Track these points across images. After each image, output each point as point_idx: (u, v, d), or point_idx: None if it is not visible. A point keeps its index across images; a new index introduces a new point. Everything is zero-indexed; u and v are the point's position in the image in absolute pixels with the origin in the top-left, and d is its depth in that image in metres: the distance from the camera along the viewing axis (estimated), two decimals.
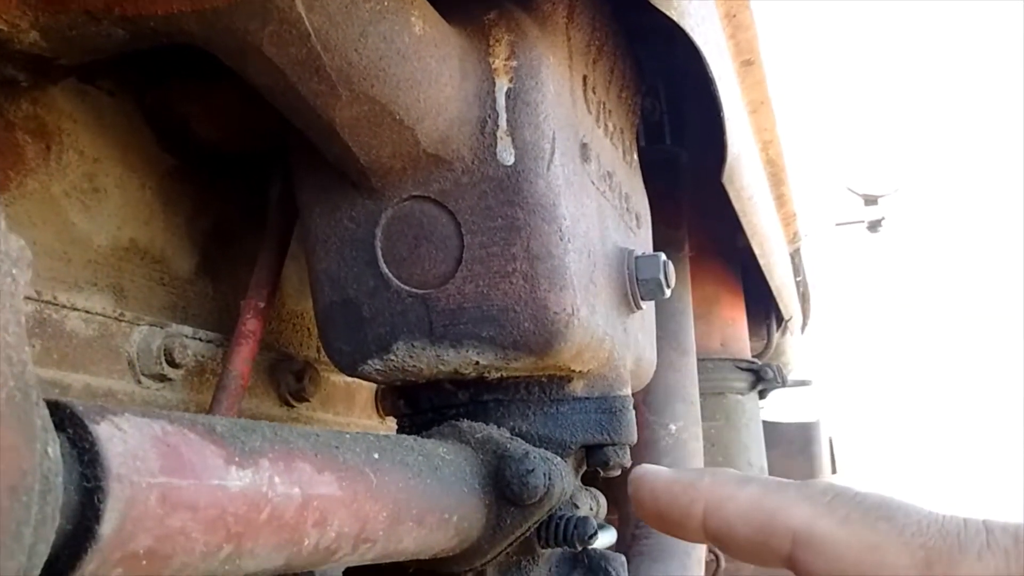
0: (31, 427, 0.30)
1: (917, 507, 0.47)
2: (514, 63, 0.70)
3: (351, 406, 1.10)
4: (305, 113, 0.65)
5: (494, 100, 0.70)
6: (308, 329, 1.04)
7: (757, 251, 1.51)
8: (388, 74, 0.63)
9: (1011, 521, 0.45)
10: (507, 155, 0.69)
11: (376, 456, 0.55)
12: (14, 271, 0.32)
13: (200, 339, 0.86)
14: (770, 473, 1.98)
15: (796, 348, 2.58)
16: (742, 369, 1.82)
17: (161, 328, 0.81)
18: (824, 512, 0.48)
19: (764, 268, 1.61)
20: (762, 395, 2.01)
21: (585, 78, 0.81)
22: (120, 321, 0.78)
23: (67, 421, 0.36)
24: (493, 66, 0.70)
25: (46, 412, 0.33)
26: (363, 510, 0.52)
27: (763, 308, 2.09)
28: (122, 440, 0.36)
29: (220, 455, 0.42)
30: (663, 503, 0.53)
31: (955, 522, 0.46)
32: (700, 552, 1.29)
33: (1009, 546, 0.44)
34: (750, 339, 1.92)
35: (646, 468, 0.55)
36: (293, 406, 0.97)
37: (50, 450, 0.31)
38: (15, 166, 0.73)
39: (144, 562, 0.38)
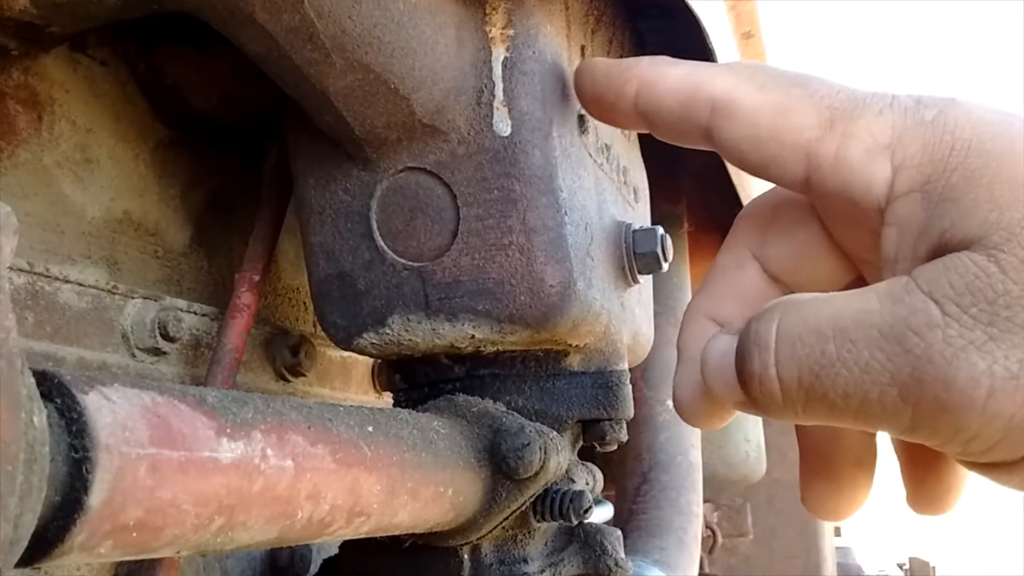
0: (15, 396, 0.29)
1: (834, 80, 0.49)
2: (511, 32, 0.69)
3: (347, 381, 1.09)
4: (298, 82, 0.64)
5: (490, 70, 0.69)
6: (304, 304, 1.03)
7: None
8: (383, 42, 0.62)
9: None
10: (503, 126, 0.69)
11: (370, 429, 0.54)
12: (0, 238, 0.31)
13: (195, 312, 0.85)
14: (767, 450, 1.98)
15: None
16: None
17: (155, 301, 0.80)
18: (744, 81, 0.49)
19: None
20: None
21: (583, 48, 0.80)
22: (113, 294, 0.77)
23: (55, 391, 0.35)
24: (490, 35, 0.69)
25: (32, 381, 0.32)
26: (357, 483, 0.51)
27: None
28: (111, 410, 0.36)
29: (211, 426, 0.41)
30: (600, 86, 0.56)
31: (867, 90, 0.48)
32: (697, 527, 1.29)
33: (910, 106, 0.46)
34: None
35: (588, 59, 0.58)
36: (289, 381, 0.97)
37: (36, 419, 0.31)
38: (6, 136, 0.72)
39: (134, 534, 0.37)
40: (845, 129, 0.46)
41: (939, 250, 0.42)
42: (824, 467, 0.53)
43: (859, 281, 0.52)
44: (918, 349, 0.39)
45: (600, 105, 0.57)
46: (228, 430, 0.42)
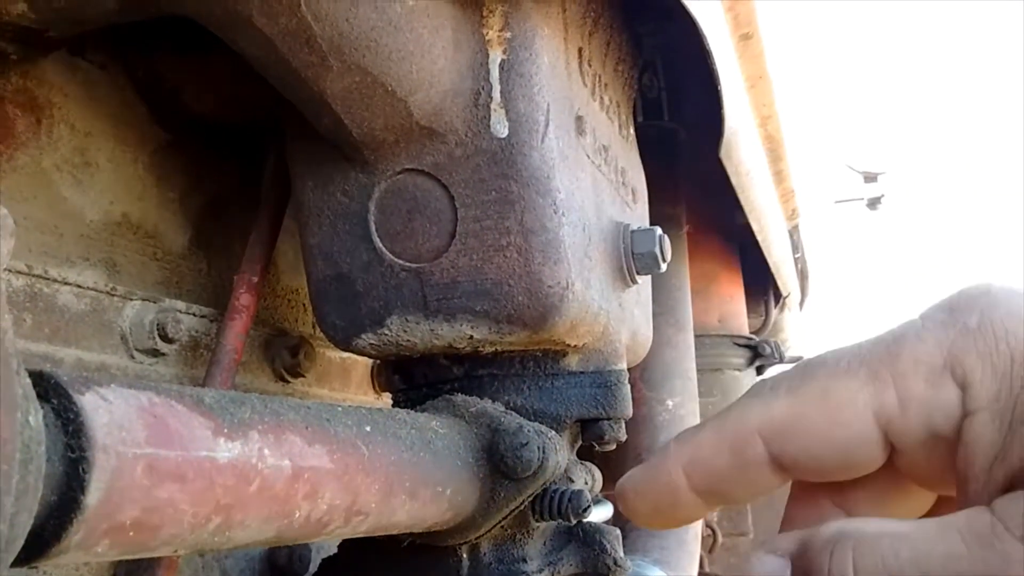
0: (11, 396, 0.30)
1: (843, 346, 0.47)
2: (508, 34, 0.69)
3: (347, 382, 1.09)
4: (296, 85, 0.64)
5: (488, 72, 0.69)
6: (303, 305, 1.03)
7: (755, 228, 1.50)
8: (380, 45, 0.62)
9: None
10: (501, 127, 0.69)
11: (368, 429, 0.55)
12: None
13: (193, 314, 0.85)
14: None
15: (794, 325, 2.58)
16: (740, 345, 1.82)
17: (154, 303, 0.81)
18: (771, 399, 0.47)
19: (762, 245, 1.60)
20: (759, 371, 2.01)
21: (580, 50, 0.80)
22: (112, 296, 0.77)
23: (51, 391, 0.35)
24: (487, 37, 0.69)
25: (28, 381, 0.32)
26: (355, 483, 0.52)
27: (761, 285, 2.09)
28: (107, 410, 0.36)
29: (208, 426, 0.41)
30: (651, 496, 0.52)
31: (887, 331, 0.46)
32: (697, 526, 1.29)
33: (944, 318, 0.44)
34: (748, 316, 1.91)
35: (623, 478, 0.53)
36: (288, 382, 0.97)
37: (32, 419, 0.31)
38: (5, 140, 0.72)
39: (131, 533, 0.37)
40: (893, 371, 0.44)
41: (1020, 478, 0.40)
42: None
43: (944, 507, 0.50)
44: None
45: (662, 513, 0.52)
46: (225, 430, 0.42)
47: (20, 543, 0.32)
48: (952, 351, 0.43)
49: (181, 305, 0.84)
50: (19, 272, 0.70)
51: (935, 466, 0.46)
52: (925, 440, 0.44)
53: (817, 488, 0.50)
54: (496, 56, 0.69)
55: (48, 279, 0.72)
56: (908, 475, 0.48)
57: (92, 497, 0.35)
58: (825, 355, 0.47)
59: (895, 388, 0.44)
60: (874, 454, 0.46)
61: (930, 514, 0.49)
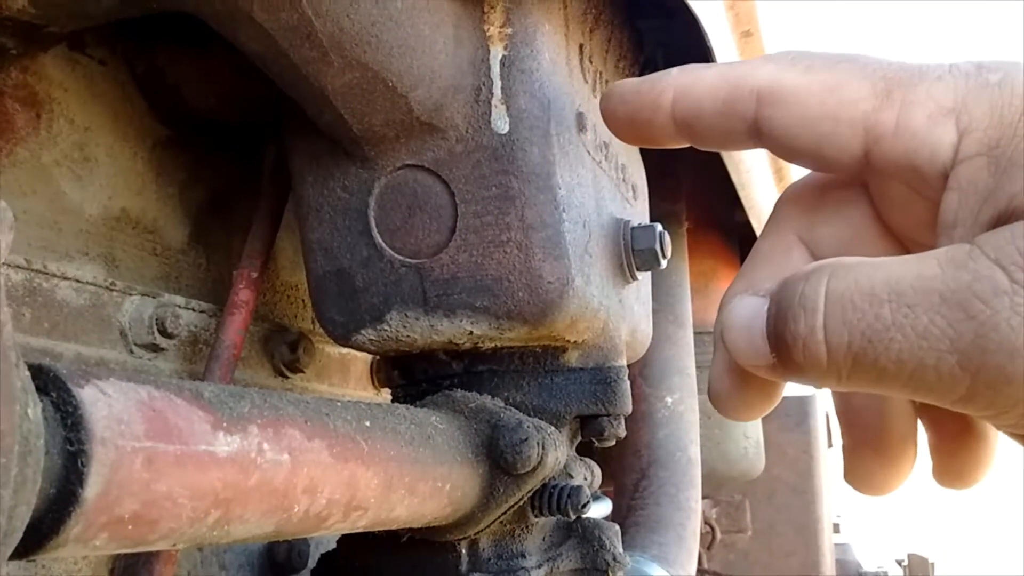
0: (10, 388, 0.30)
1: (880, 55, 0.47)
2: (509, 30, 0.69)
3: (346, 377, 1.09)
4: (297, 80, 0.64)
5: (488, 68, 0.69)
6: (303, 301, 1.03)
7: (755, 225, 1.50)
8: (380, 40, 0.62)
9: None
10: (501, 123, 0.69)
11: (367, 424, 0.55)
12: None
13: (193, 309, 0.85)
14: (766, 447, 1.98)
15: None
16: None
17: (153, 298, 0.81)
18: (787, 67, 0.47)
19: None
20: None
21: (581, 47, 0.80)
22: (111, 291, 0.77)
23: (50, 384, 0.36)
24: (488, 33, 0.69)
25: (27, 374, 0.32)
26: (354, 477, 0.52)
27: None
28: (107, 404, 0.36)
29: (207, 420, 0.41)
30: (632, 104, 0.52)
31: (919, 63, 0.46)
32: (695, 523, 1.29)
33: (971, 71, 0.44)
34: None
35: (613, 83, 0.54)
36: (287, 377, 0.97)
37: (30, 412, 0.31)
38: (5, 135, 0.72)
39: (130, 527, 0.37)
40: (904, 97, 0.44)
41: (1006, 216, 0.40)
42: (870, 441, 0.51)
43: None
44: (983, 316, 0.37)
45: (635, 124, 0.53)
46: (224, 424, 0.42)
47: (18, 536, 0.32)
48: (964, 98, 0.43)
49: (180, 300, 0.84)
50: (18, 267, 0.70)
51: (911, 209, 0.47)
52: (903, 173, 0.45)
53: (790, 222, 0.51)
54: (497, 52, 0.69)
55: (47, 274, 0.72)
56: (880, 210, 0.49)
57: (91, 490, 0.35)
58: (860, 56, 0.47)
59: (897, 111, 0.44)
60: (847, 163, 0.46)
61: None
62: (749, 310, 0.45)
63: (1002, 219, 0.40)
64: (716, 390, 0.50)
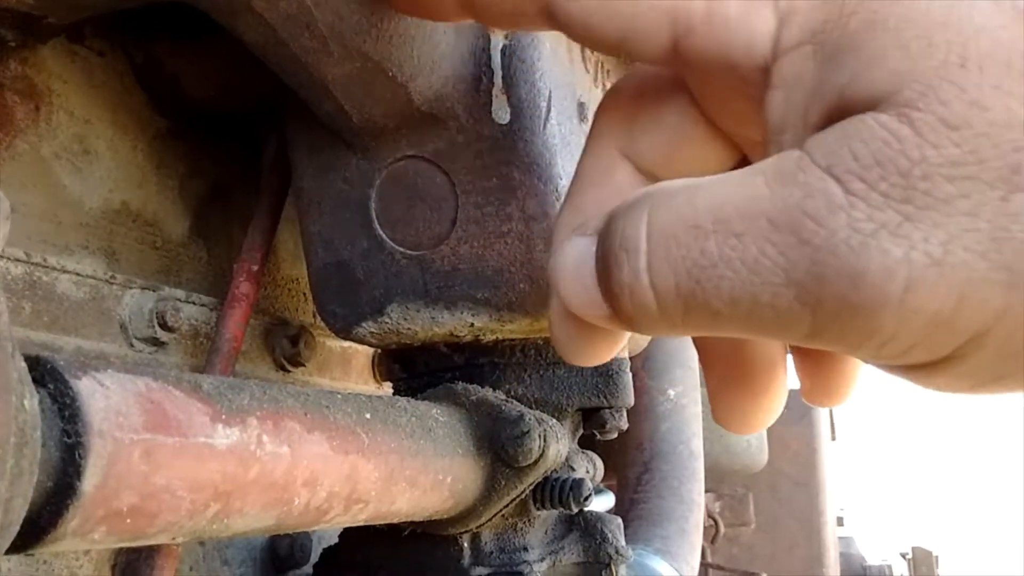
0: (6, 379, 0.29)
1: None
2: None
3: (347, 371, 1.09)
4: (296, 71, 0.64)
5: (489, 57, 0.69)
6: (304, 294, 1.03)
7: None
8: (381, 30, 0.62)
9: None
10: (502, 113, 0.68)
11: (368, 416, 0.54)
12: None
13: (194, 303, 0.85)
14: (769, 440, 1.98)
15: None
16: None
17: (153, 291, 0.80)
18: None
19: None
20: None
21: None
22: (112, 284, 0.77)
23: (47, 376, 0.35)
24: None
25: (23, 365, 0.32)
26: (355, 470, 0.51)
27: None
28: (104, 396, 0.36)
29: (206, 412, 0.41)
30: None
31: None
32: (698, 516, 1.29)
33: None
34: None
35: None
36: (288, 371, 0.97)
37: (27, 403, 0.31)
38: (4, 127, 0.72)
39: (128, 520, 0.37)
40: None
41: (837, 113, 0.34)
42: (733, 375, 0.46)
43: (745, 164, 0.43)
44: (817, 239, 0.32)
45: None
46: (223, 416, 0.42)
47: (15, 529, 0.32)
48: None
49: (181, 293, 0.84)
50: (17, 260, 0.69)
51: (736, 110, 0.41)
52: (719, 69, 0.39)
53: (611, 136, 0.45)
54: (498, 41, 0.69)
55: (47, 267, 0.72)
56: (703, 108, 0.43)
57: (88, 483, 0.34)
58: None
59: None
60: (653, 53, 0.40)
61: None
62: (577, 252, 0.39)
63: (833, 116, 0.34)
64: (556, 336, 0.43)
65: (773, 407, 0.46)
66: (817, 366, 0.45)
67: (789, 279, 0.32)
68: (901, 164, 0.31)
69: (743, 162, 0.44)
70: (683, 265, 0.34)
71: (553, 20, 0.41)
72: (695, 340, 0.47)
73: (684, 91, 0.43)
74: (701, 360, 0.47)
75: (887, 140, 0.31)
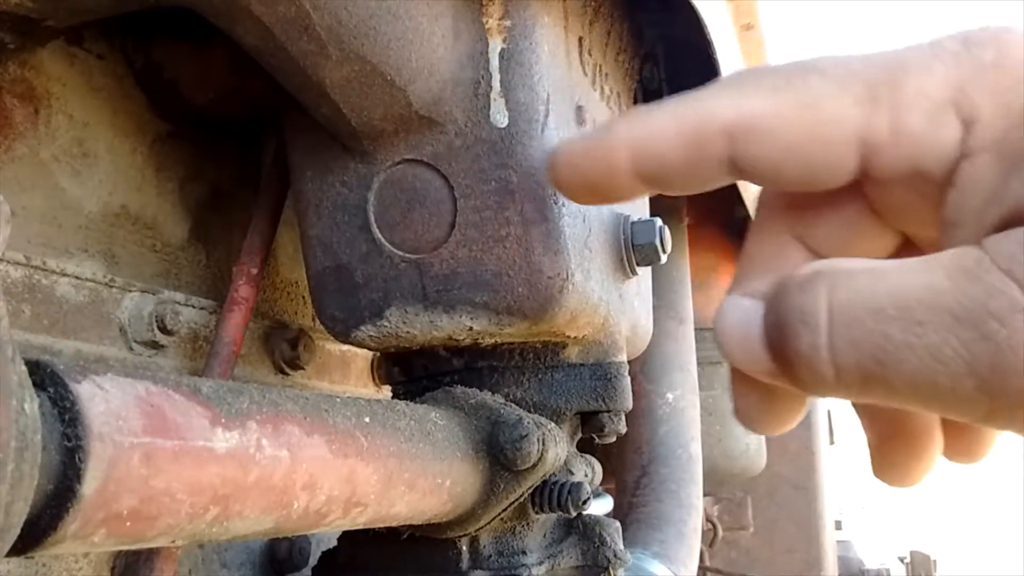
0: (6, 383, 0.29)
1: (844, 55, 0.42)
2: (508, 23, 0.69)
3: (347, 374, 1.09)
4: (295, 74, 0.64)
5: (487, 61, 0.69)
6: (303, 298, 1.03)
7: None
8: (379, 33, 0.62)
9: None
10: (500, 117, 0.68)
11: (367, 420, 0.54)
12: None
13: (193, 306, 0.85)
14: (767, 444, 1.98)
15: None
16: None
17: (153, 295, 0.80)
18: (748, 92, 0.43)
19: None
20: None
21: (581, 40, 0.80)
22: (111, 287, 0.77)
23: (48, 380, 0.35)
24: (486, 26, 0.69)
25: (24, 369, 0.32)
26: (354, 473, 0.51)
27: None
28: (104, 399, 0.36)
29: (206, 416, 0.41)
30: (583, 168, 0.47)
31: (892, 52, 0.42)
32: (696, 520, 1.29)
33: (958, 50, 0.40)
34: None
35: (556, 147, 0.49)
36: (288, 374, 0.97)
37: (27, 407, 0.31)
38: (3, 130, 0.72)
39: (128, 523, 0.37)
40: (892, 99, 0.40)
41: (1012, 220, 0.37)
42: (894, 434, 0.48)
43: (910, 249, 0.46)
44: (999, 336, 0.34)
45: (592, 188, 0.48)
46: (223, 420, 0.42)
47: (16, 532, 0.32)
48: (961, 85, 0.39)
49: (180, 297, 0.84)
50: (17, 263, 0.69)
51: (911, 207, 0.43)
52: (909, 178, 0.41)
53: (779, 222, 0.47)
54: (496, 45, 0.69)
55: (46, 270, 0.72)
56: (878, 210, 0.45)
57: (89, 486, 0.34)
58: (821, 60, 0.42)
59: (890, 117, 0.40)
60: (841, 178, 0.43)
61: (894, 257, 0.45)
62: (742, 312, 0.41)
63: (1011, 222, 0.37)
64: (739, 404, 0.47)
65: (930, 463, 0.48)
66: (961, 432, 0.48)
67: (971, 370, 0.35)
68: None
69: (903, 246, 0.47)
70: (866, 347, 0.37)
71: (739, 171, 0.43)
72: (855, 404, 0.49)
73: (860, 193, 0.45)
74: (860, 417, 0.50)
75: None
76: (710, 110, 0.43)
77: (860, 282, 0.38)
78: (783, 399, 0.46)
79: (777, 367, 0.40)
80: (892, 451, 0.48)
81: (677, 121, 0.44)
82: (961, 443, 0.48)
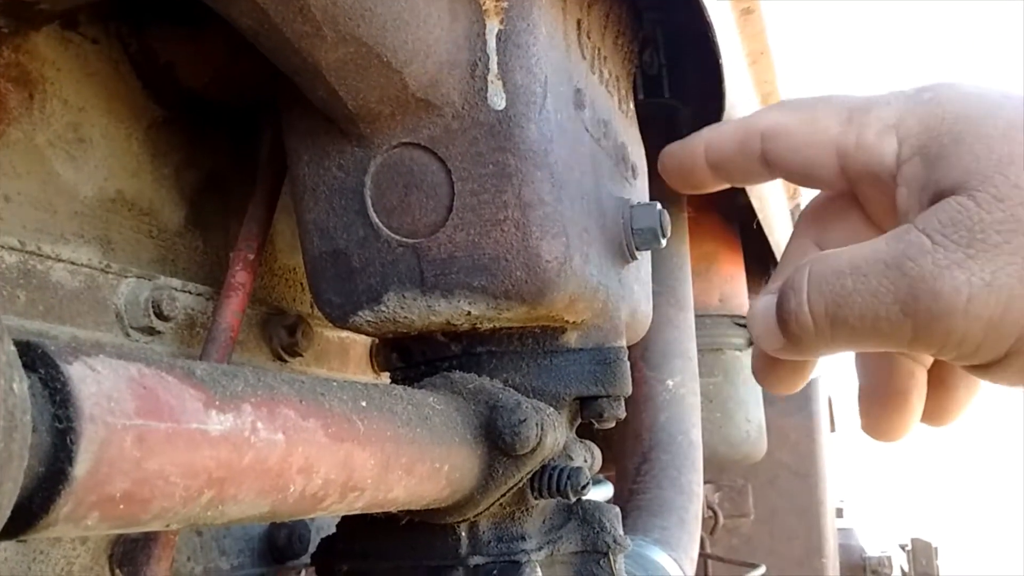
0: None
1: (853, 94, 0.60)
2: (505, 4, 0.68)
3: (345, 361, 1.09)
4: (290, 56, 0.63)
5: (484, 42, 0.68)
6: (301, 284, 1.03)
7: (756, 207, 1.49)
8: (375, 14, 0.61)
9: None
10: (498, 99, 0.68)
11: (363, 404, 0.54)
12: None
13: (190, 292, 0.85)
14: (768, 431, 1.97)
15: None
16: (740, 325, 1.81)
17: (149, 280, 0.80)
18: (782, 110, 0.62)
19: (763, 224, 1.60)
20: None
21: (579, 22, 0.79)
22: (107, 273, 0.77)
23: (39, 361, 0.35)
24: (484, 7, 0.68)
25: (13, 349, 0.32)
26: (350, 457, 0.51)
27: (762, 265, 2.08)
28: (96, 381, 0.35)
29: (200, 398, 0.41)
30: (676, 159, 0.68)
31: (875, 94, 0.59)
32: (697, 507, 1.29)
33: (911, 93, 0.57)
34: (749, 295, 1.90)
35: (667, 146, 0.69)
36: (286, 361, 0.97)
37: (16, 387, 0.30)
38: None
39: (121, 506, 0.37)
40: (860, 121, 0.57)
41: (935, 199, 0.52)
42: (879, 393, 0.62)
43: None
44: (913, 271, 0.49)
45: (682, 173, 0.67)
46: (217, 402, 0.42)
47: (6, 514, 0.31)
48: (903, 116, 0.56)
49: (177, 283, 0.83)
50: (12, 249, 0.69)
51: (883, 205, 0.59)
52: (871, 181, 0.58)
53: (806, 233, 0.65)
54: (493, 26, 0.68)
55: (42, 256, 0.71)
56: (869, 214, 0.62)
57: (80, 468, 0.34)
58: (835, 97, 0.60)
59: (856, 133, 0.58)
60: (830, 177, 0.60)
61: None
62: (764, 303, 0.58)
63: (933, 201, 0.52)
64: (755, 369, 0.66)
65: (911, 420, 0.62)
66: (936, 393, 0.62)
67: (896, 298, 0.50)
68: (967, 224, 0.49)
69: None
70: (830, 295, 0.52)
71: (768, 165, 0.62)
72: (858, 368, 0.65)
73: (856, 204, 0.62)
74: (859, 384, 0.65)
75: (959, 210, 0.50)
76: (756, 119, 0.63)
77: (831, 257, 0.54)
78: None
79: (785, 339, 0.56)
80: (878, 406, 0.63)
81: (735, 126, 0.64)
82: (933, 405, 0.63)
